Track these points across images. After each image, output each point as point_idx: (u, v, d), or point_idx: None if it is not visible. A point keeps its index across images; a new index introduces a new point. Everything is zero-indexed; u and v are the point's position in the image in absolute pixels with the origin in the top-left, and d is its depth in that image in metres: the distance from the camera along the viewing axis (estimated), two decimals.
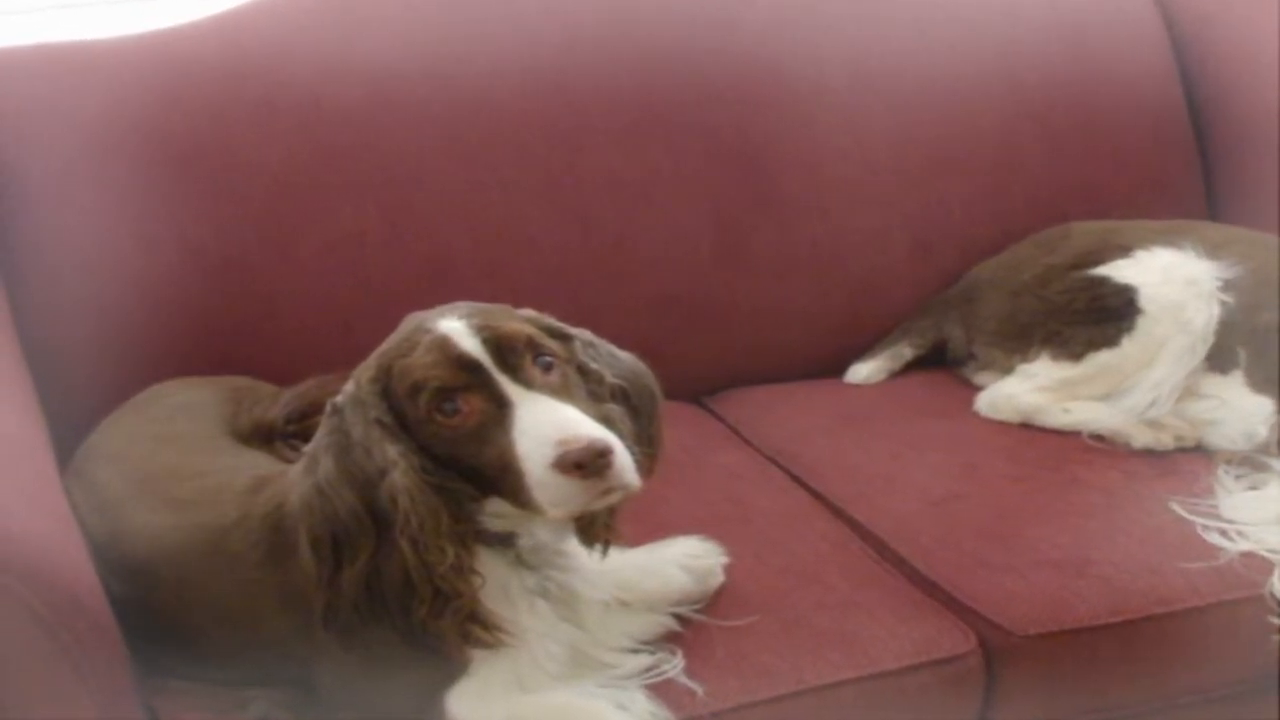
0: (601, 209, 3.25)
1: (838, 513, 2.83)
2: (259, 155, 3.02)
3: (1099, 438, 3.05)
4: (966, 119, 3.52)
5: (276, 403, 2.71)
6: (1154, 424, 3.02)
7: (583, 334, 2.23)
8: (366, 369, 2.11)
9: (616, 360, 2.25)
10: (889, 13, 3.54)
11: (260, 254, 3.01)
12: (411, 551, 2.01)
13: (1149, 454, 2.97)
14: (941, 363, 3.42)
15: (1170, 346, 3.08)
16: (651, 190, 3.28)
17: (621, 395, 2.20)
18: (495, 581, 2.13)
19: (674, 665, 2.30)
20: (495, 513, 2.13)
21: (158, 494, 2.38)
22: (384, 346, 2.13)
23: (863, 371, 3.40)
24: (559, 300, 2.32)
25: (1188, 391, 3.08)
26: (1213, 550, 2.63)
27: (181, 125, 2.99)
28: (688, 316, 3.32)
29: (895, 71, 3.48)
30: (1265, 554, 2.62)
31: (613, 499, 2.05)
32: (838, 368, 3.43)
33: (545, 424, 1.99)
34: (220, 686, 2.27)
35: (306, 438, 2.22)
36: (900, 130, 3.47)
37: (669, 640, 2.36)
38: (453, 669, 2.12)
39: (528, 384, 2.03)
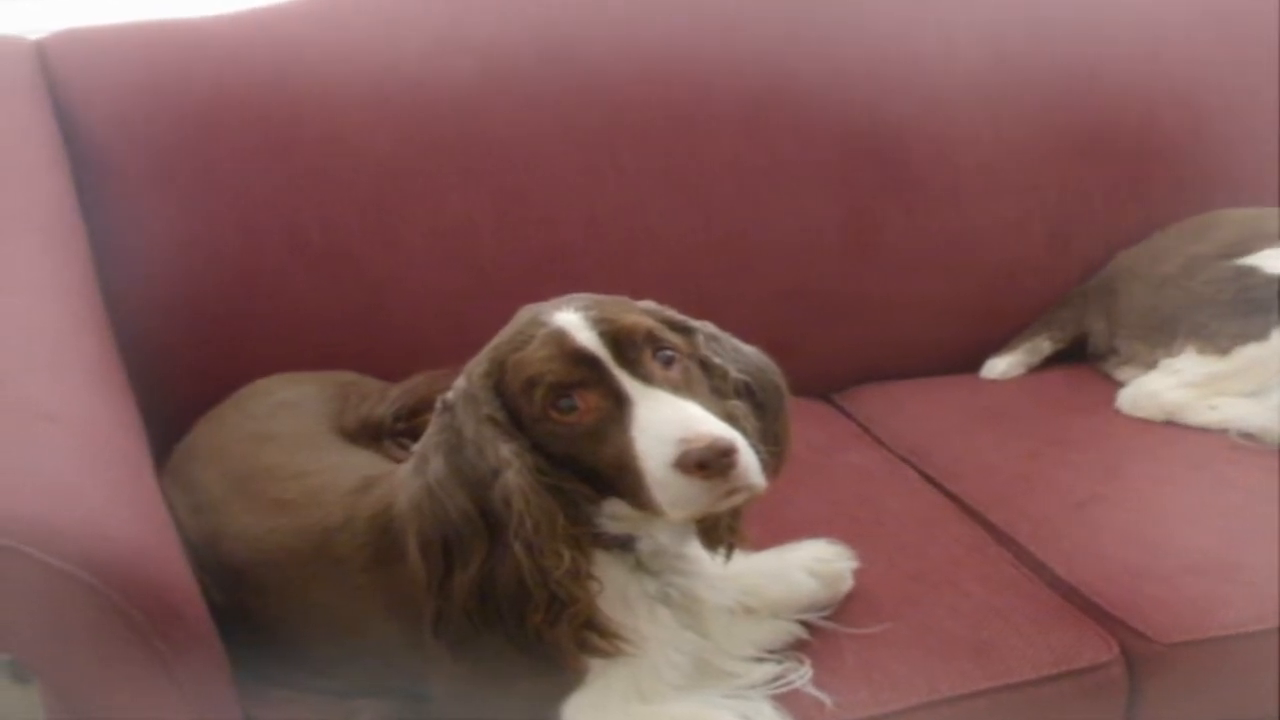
0: (725, 196, 3.21)
1: (973, 515, 2.80)
2: (366, 140, 3.01)
3: (1247, 436, 3.00)
4: (1107, 102, 3.48)
5: (384, 399, 2.71)
6: None
7: (705, 327, 2.18)
8: (479, 364, 2.07)
9: (741, 354, 2.20)
10: None
11: (367, 243, 3.00)
12: (526, 555, 1.96)
13: None
14: (1082, 357, 3.42)
15: None
16: (777, 177, 3.24)
17: (746, 391, 2.16)
18: (613, 587, 2.09)
19: (801, 675, 2.24)
20: (613, 515, 2.08)
21: (259, 495, 2.37)
22: (497, 340, 2.08)
23: (999, 366, 3.38)
24: (680, 291, 2.32)
25: None
26: None
27: (285, 108, 2.98)
28: (816, 309, 3.30)
29: (1033, 53, 3.45)
30: None
31: (737, 500, 1.98)
32: (973, 362, 3.42)
33: (666, 421, 1.93)
34: (324, 696, 2.25)
35: (416, 436, 2.20)
36: (1038, 114, 3.43)
37: (796, 648, 2.31)
38: (569, 679, 2.08)
39: (647, 379, 1.98)
